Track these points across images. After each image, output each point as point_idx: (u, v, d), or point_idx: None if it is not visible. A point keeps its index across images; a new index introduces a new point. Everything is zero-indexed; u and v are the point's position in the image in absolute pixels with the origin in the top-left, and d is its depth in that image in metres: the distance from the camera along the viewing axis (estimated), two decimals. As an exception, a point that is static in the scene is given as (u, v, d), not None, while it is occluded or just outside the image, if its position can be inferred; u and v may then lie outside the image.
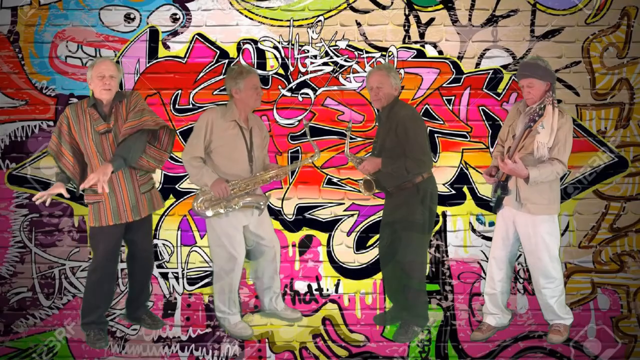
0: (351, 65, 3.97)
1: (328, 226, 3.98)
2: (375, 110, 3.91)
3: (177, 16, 3.96)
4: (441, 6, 3.96)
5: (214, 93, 3.94)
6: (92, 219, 3.48)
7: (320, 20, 3.96)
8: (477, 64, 3.96)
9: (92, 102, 3.46)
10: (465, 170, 3.96)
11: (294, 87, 3.98)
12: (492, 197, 3.65)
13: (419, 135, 3.58)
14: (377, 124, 3.85)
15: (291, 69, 3.97)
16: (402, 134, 3.54)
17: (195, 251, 3.96)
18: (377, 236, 3.91)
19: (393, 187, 3.64)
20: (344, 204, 3.99)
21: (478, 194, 3.96)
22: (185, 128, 3.93)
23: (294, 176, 3.98)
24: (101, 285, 3.56)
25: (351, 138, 3.93)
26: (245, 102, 3.62)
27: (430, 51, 3.97)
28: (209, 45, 3.96)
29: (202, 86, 3.96)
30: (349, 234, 3.99)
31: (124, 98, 3.51)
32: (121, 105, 3.49)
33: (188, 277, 3.95)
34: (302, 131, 3.92)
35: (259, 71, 3.95)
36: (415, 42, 3.97)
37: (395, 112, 3.62)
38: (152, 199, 3.58)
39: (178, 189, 3.95)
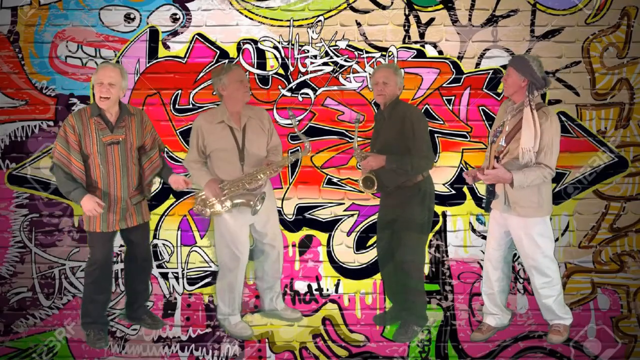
0: (351, 65, 3.97)
1: (328, 226, 3.98)
2: (375, 109, 3.91)
3: (177, 16, 3.96)
4: (441, 6, 3.96)
5: (214, 93, 3.94)
6: (85, 222, 3.56)
7: (320, 20, 3.95)
8: (477, 64, 3.96)
9: (97, 111, 3.45)
10: (466, 170, 3.95)
11: (294, 87, 3.98)
12: (485, 198, 3.66)
13: (425, 133, 3.65)
14: (375, 122, 3.84)
15: (291, 69, 3.97)
16: (409, 131, 3.55)
17: (195, 251, 3.96)
18: (376, 237, 3.91)
19: (393, 186, 3.63)
20: (344, 204, 3.99)
21: (478, 194, 3.96)
22: (185, 128, 3.92)
23: (294, 176, 3.98)
24: (98, 285, 3.61)
25: (350, 138, 3.94)
26: (233, 98, 3.60)
27: (430, 51, 3.97)
28: (209, 45, 3.96)
29: (202, 86, 3.96)
30: (349, 234, 3.99)
31: (133, 115, 3.53)
32: (130, 120, 3.51)
33: (188, 277, 3.95)
34: (302, 131, 3.92)
35: (259, 71, 3.95)
36: (415, 42, 3.97)
37: (399, 110, 3.63)
38: (141, 210, 3.63)
39: (178, 189, 3.95)
